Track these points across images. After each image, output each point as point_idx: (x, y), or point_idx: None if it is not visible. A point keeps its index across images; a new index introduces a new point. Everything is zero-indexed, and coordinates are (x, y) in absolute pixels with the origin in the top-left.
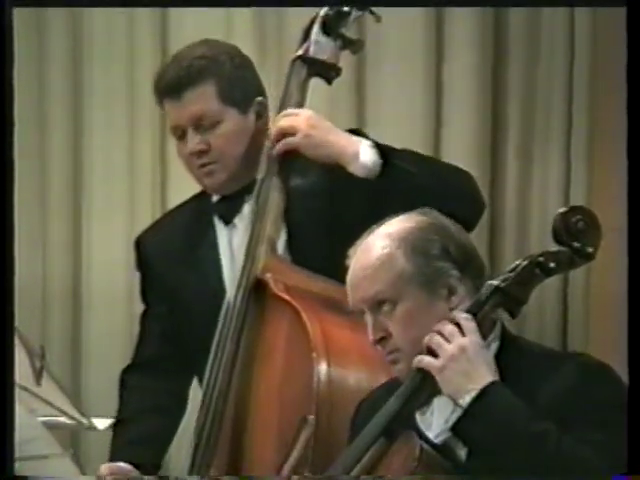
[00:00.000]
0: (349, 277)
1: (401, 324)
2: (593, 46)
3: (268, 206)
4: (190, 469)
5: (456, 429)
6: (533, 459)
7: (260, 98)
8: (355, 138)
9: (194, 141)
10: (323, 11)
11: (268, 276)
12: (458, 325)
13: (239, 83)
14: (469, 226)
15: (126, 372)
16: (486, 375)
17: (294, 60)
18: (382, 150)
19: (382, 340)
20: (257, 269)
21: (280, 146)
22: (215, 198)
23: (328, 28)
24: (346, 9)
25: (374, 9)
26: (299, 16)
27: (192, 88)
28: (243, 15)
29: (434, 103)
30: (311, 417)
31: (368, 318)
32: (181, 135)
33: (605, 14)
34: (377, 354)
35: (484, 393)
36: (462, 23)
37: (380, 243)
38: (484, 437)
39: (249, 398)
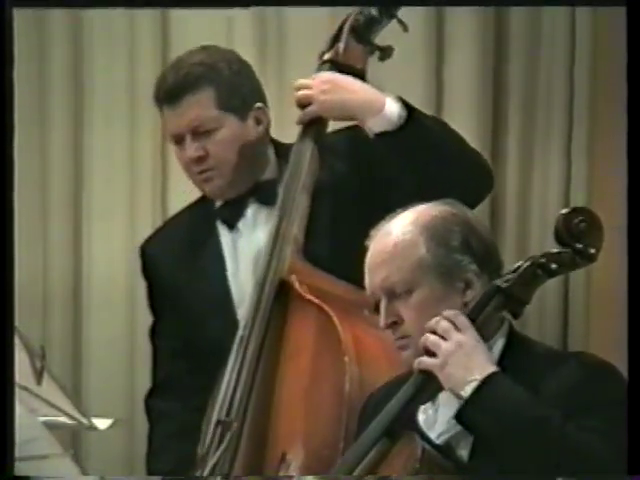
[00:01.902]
0: (368, 260)
1: (414, 311)
2: (593, 46)
3: (297, 198)
4: (211, 469)
5: (459, 418)
6: (537, 443)
7: (259, 104)
8: (379, 92)
9: (192, 148)
10: (353, 16)
11: (293, 278)
12: (452, 322)
13: (237, 89)
14: (475, 200)
15: (149, 397)
16: (486, 366)
17: (322, 63)
18: (406, 104)
19: (393, 325)
20: (283, 270)
21: (301, 118)
22: (218, 203)
23: (358, 34)
24: (376, 16)
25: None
26: (300, 20)
27: (190, 95)
28: (244, 17)
29: (434, 103)
30: (289, 456)
31: (382, 302)
32: (179, 142)
33: (605, 14)
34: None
35: (485, 383)
36: (462, 23)
37: (402, 228)
38: (488, 424)
39: (272, 399)
